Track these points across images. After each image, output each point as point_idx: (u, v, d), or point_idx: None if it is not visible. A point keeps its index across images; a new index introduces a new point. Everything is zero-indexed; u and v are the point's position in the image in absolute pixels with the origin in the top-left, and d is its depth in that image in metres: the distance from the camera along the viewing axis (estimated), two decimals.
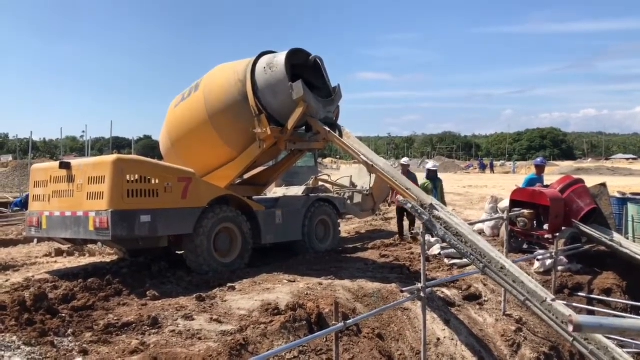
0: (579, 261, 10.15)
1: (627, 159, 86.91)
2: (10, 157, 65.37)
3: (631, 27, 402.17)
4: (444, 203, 11.14)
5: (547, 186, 11.21)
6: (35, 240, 12.15)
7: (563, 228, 10.34)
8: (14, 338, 5.50)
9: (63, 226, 8.58)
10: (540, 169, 12.07)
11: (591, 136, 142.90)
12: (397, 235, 12.31)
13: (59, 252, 10.99)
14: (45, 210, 8.94)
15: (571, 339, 5.61)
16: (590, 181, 12.10)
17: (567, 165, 67.44)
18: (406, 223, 12.22)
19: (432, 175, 12.00)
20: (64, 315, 6.40)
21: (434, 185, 11.74)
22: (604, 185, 11.19)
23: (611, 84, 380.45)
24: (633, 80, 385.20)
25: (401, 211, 11.94)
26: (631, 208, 10.89)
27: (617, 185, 19.68)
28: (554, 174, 35.24)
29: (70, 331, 5.91)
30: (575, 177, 12.05)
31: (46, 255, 10.96)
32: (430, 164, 12.59)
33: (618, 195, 12.11)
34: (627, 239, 10.44)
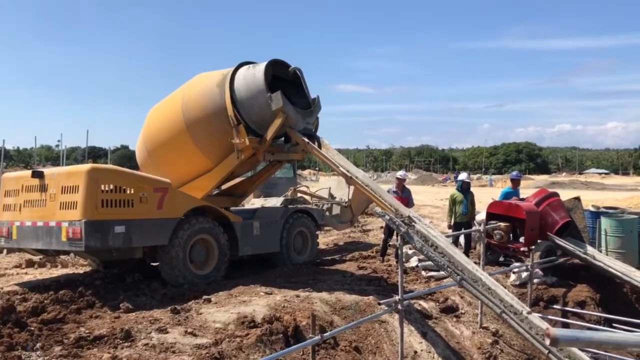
0: (554, 274, 10.29)
1: (600, 174, 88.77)
2: None
3: (605, 45, 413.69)
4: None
5: (522, 199, 11.35)
6: (5, 251, 11.84)
7: (538, 241, 10.46)
8: None
9: (34, 236, 8.38)
10: (515, 182, 12.22)
11: (565, 151, 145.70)
12: (379, 254, 11.37)
13: (30, 263, 10.74)
14: (15, 220, 8.72)
15: (546, 351, 5.65)
16: (565, 195, 12.30)
17: (542, 179, 68.52)
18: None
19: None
20: (32, 328, 6.24)
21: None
22: (578, 199, 11.39)
23: (585, 99, 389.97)
24: (606, 96, 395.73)
25: (390, 231, 10.76)
26: (604, 221, 11.08)
27: (590, 199, 20.07)
28: (530, 187, 35.75)
29: (38, 345, 5.75)
30: (550, 190, 12.25)
31: (16, 267, 10.69)
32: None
33: (592, 209, 12.35)
34: (600, 251, 10.61)
